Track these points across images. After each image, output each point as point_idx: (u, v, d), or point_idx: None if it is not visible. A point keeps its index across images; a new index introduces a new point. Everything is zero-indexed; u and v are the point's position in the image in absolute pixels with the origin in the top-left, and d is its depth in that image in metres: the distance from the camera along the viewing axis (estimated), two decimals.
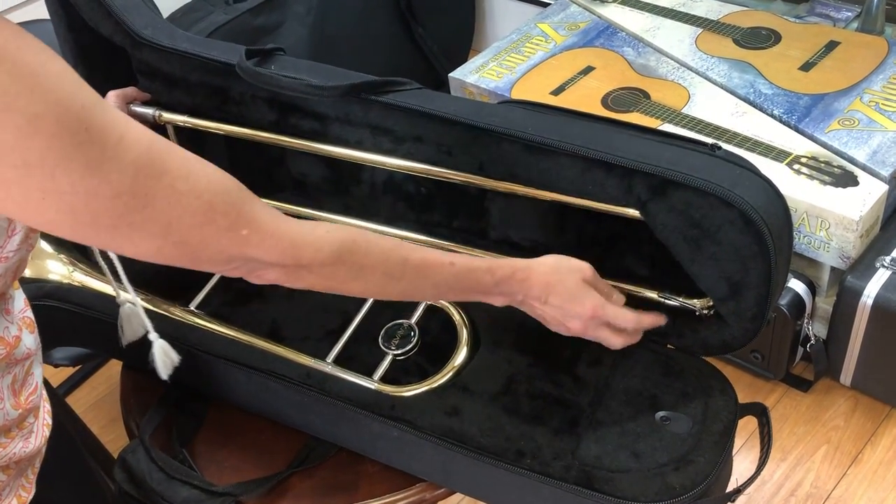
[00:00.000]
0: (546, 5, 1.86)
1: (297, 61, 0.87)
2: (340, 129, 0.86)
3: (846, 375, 1.41)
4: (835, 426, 1.39)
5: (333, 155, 0.86)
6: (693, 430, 0.74)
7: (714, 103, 1.50)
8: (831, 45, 1.59)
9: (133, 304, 0.78)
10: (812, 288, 1.36)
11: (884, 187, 1.29)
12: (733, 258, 0.71)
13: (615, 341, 0.72)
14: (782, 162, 1.36)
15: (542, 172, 0.76)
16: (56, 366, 1.21)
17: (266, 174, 0.98)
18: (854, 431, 1.37)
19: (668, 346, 0.81)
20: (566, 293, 0.71)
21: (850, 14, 1.72)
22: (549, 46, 1.73)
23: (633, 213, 0.74)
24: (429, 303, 0.87)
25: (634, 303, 0.82)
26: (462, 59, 2.01)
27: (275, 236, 0.58)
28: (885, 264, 1.30)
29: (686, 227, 0.71)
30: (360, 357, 0.85)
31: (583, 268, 0.72)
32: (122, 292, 0.79)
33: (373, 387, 0.80)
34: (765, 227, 0.68)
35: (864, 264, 1.31)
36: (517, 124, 0.76)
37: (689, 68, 1.60)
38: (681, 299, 0.78)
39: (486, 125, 0.77)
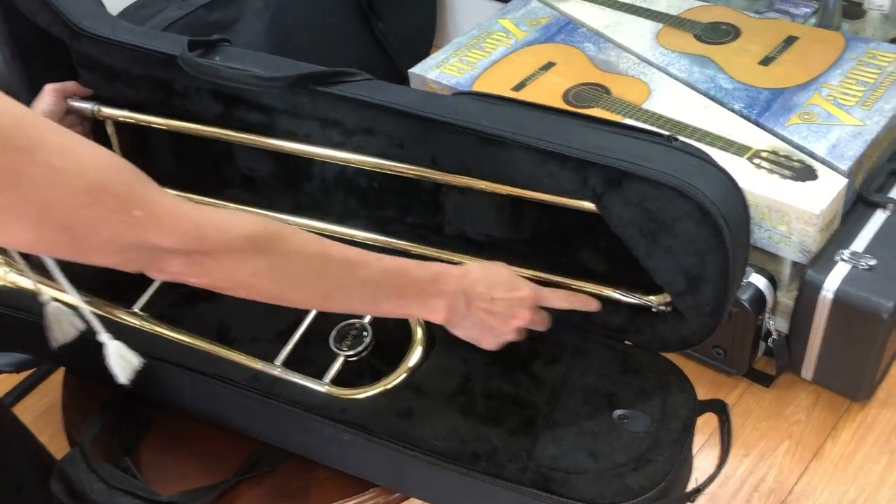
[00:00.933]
0: (507, 1, 1.84)
1: (243, 52, 0.84)
2: (288, 121, 0.83)
3: (807, 370, 1.40)
4: (797, 421, 1.38)
5: (279, 149, 0.82)
6: (652, 429, 0.72)
7: (675, 98, 1.49)
8: (790, 40, 1.58)
9: (59, 301, 0.73)
10: (773, 282, 1.35)
11: (843, 181, 1.29)
12: (690, 251, 0.68)
13: (544, 323, 0.71)
14: (743, 156, 1.35)
15: (497, 165, 0.74)
16: None
17: (214, 170, 0.94)
18: (815, 426, 1.37)
19: (627, 342, 0.79)
20: (507, 283, 0.69)
21: (807, 10, 1.72)
22: (511, 42, 1.71)
23: (589, 206, 0.71)
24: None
25: None
26: (423, 56, 1.97)
27: (174, 216, 0.52)
28: (845, 258, 1.30)
29: (642, 220, 0.69)
30: (311, 359, 0.82)
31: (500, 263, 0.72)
32: (44, 288, 0.74)
33: (323, 389, 0.77)
34: (722, 219, 0.66)
35: (824, 258, 1.30)
36: (471, 116, 0.74)
37: (650, 63, 1.59)
38: (638, 295, 0.76)
39: (439, 117, 0.74)
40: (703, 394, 0.75)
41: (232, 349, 0.80)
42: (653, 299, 0.74)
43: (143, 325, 0.83)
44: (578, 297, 0.74)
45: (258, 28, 1.78)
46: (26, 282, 0.83)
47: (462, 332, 0.70)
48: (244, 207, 0.92)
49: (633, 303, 0.75)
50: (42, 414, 1.46)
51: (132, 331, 0.83)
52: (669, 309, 0.75)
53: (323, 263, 0.60)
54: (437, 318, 0.67)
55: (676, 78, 1.53)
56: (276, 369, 0.78)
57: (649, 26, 1.67)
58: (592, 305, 0.75)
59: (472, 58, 1.66)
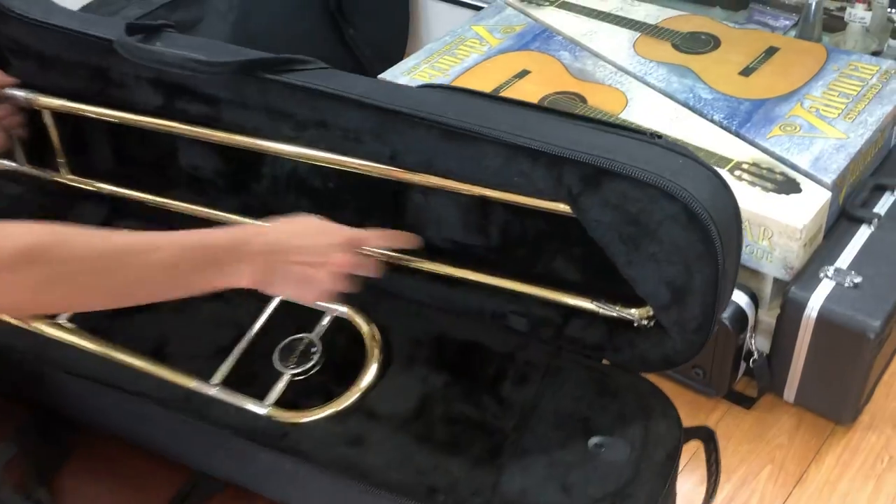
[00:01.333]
0: (481, 9, 1.77)
1: (187, 38, 0.76)
2: (234, 113, 0.74)
3: (790, 391, 1.33)
4: (779, 444, 1.31)
5: (224, 142, 0.74)
6: (632, 458, 0.64)
7: (652, 108, 1.43)
8: (771, 51, 1.53)
9: None
10: (754, 300, 1.28)
11: (827, 194, 1.23)
12: (676, 259, 0.61)
13: (371, 268, 0.65)
14: (723, 168, 1.29)
15: (462, 162, 0.66)
16: None
17: (156, 168, 0.85)
18: (798, 450, 1.29)
19: (604, 361, 0.71)
20: (314, 229, 0.63)
21: (787, 23, 1.68)
22: (484, 49, 1.64)
23: (564, 208, 0.64)
24: (336, 315, 0.75)
25: (565, 312, 0.72)
26: (395, 63, 1.90)
27: None
28: (829, 275, 1.23)
29: (622, 223, 0.61)
30: (255, 378, 0.73)
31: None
32: None
33: (263, 412, 0.68)
34: (711, 222, 0.58)
35: (807, 275, 1.23)
36: (434, 108, 0.65)
37: (627, 73, 1.53)
38: (617, 308, 0.68)
39: (399, 108, 0.66)
40: (682, 416, 0.67)
41: (164, 365, 0.71)
42: (634, 313, 0.66)
43: (66, 337, 0.74)
44: (397, 234, 0.69)
45: (222, 30, 1.69)
46: None
47: (279, 290, 0.64)
48: (192, 207, 0.83)
49: (611, 317, 0.67)
50: None
51: (55, 344, 0.74)
52: (651, 324, 0.67)
53: (110, 260, 0.55)
54: (245, 283, 0.61)
55: (654, 87, 1.47)
56: (211, 388, 0.69)
57: (626, 35, 1.61)
58: (413, 242, 0.70)
59: (444, 64, 1.58)
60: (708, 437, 0.67)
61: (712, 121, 1.38)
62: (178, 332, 0.79)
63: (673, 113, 1.39)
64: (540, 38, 1.62)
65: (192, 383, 0.69)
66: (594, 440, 0.64)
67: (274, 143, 0.72)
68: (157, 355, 0.75)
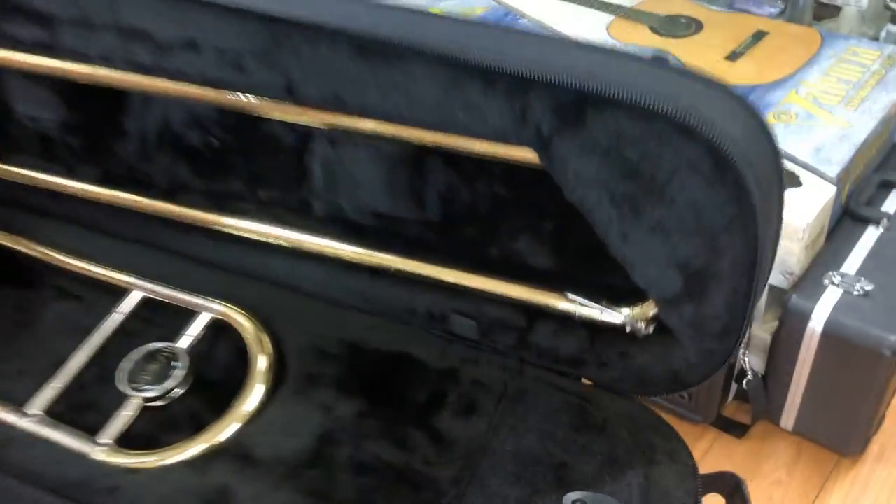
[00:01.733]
0: None
1: None
2: (75, 36, 0.53)
3: (788, 418, 1.15)
4: (777, 480, 1.12)
5: (57, 73, 0.52)
6: None
7: None
8: (759, 35, 1.38)
9: None
10: None
11: (831, 189, 1.06)
12: (693, 229, 0.40)
13: None
14: None
15: (384, 93, 0.45)
16: None
17: None
18: (799, 486, 1.11)
19: (585, 380, 0.50)
20: None
21: (773, 10, 1.55)
22: None
23: (530, 156, 0.43)
24: (212, 315, 0.54)
25: (530, 313, 0.51)
26: None
27: None
28: (836, 281, 1.05)
29: (615, 176, 0.41)
30: (97, 403, 0.51)
31: None
32: None
33: (94, 455, 0.46)
34: (750, 170, 0.38)
35: (810, 281, 1.06)
36: (344, 17, 0.45)
37: None
38: (602, 306, 0.47)
39: (295, 17, 0.45)
40: None
41: None
42: (627, 312, 0.46)
43: None
44: None
45: None
46: None
47: None
48: (88, 187, 0.62)
49: (595, 318, 0.47)
50: None
51: None
52: (651, 329, 0.46)
53: None
54: None
55: None
56: (27, 420, 0.47)
57: (599, 17, 1.46)
58: None
59: None
60: (734, 489, 0.47)
61: None
62: (10, 341, 0.58)
63: None
64: (504, 20, 1.46)
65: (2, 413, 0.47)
66: (572, 497, 0.43)
67: (127, 74, 0.51)
68: None
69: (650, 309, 0.45)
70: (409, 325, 0.53)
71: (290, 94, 0.48)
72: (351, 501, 0.43)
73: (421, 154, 0.48)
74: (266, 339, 0.52)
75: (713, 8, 1.48)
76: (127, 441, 0.48)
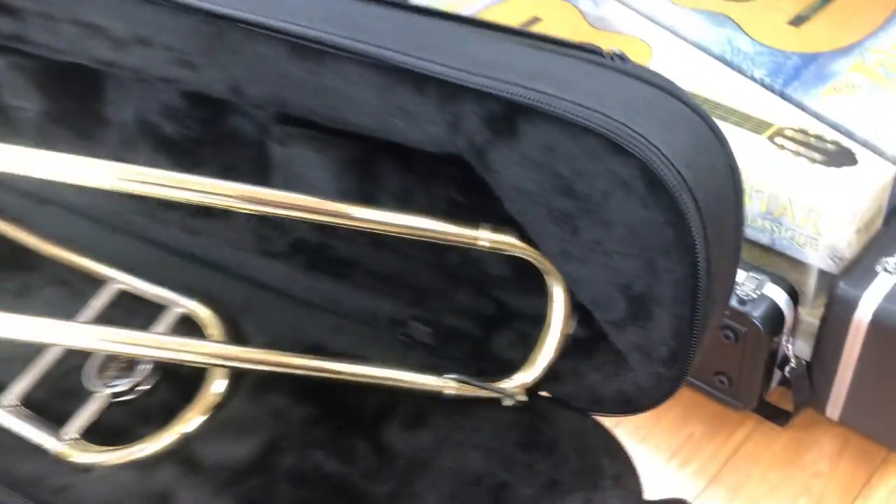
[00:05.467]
0: None
1: None
2: (41, 28, 0.53)
3: (834, 407, 1.10)
4: (817, 472, 1.07)
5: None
6: None
7: (681, 62, 1.20)
8: None
9: None
10: (794, 297, 1.05)
11: (891, 169, 0.99)
12: (632, 251, 0.37)
13: None
14: (762, 134, 1.05)
15: (322, 94, 0.43)
16: None
17: None
18: (842, 480, 1.06)
19: (539, 393, 0.48)
20: None
21: None
22: None
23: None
24: (180, 310, 0.54)
25: (488, 322, 0.49)
26: None
27: None
28: (889, 268, 0.99)
29: (550, 192, 0.38)
30: (72, 394, 0.52)
31: None
32: None
33: (53, 449, 0.47)
34: (685, 192, 0.35)
35: (861, 267, 0.99)
36: (282, 12, 0.43)
37: (654, 21, 1.30)
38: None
39: (231, 13, 0.44)
40: (701, 431, 0.45)
41: None
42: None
43: None
44: None
45: None
46: None
47: None
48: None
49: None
50: None
51: None
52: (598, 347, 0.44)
53: None
54: None
55: (685, 39, 1.24)
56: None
57: None
58: None
59: (449, 8, 1.36)
60: None
61: (752, 78, 1.15)
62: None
63: (705, 67, 1.16)
64: None
65: None
66: None
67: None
68: None
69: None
70: (370, 330, 0.52)
71: (236, 94, 0.47)
72: None
73: (369, 157, 0.46)
74: (223, 333, 0.51)
75: None
76: (98, 434, 0.49)
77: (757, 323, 1.00)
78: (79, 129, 0.61)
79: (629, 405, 0.44)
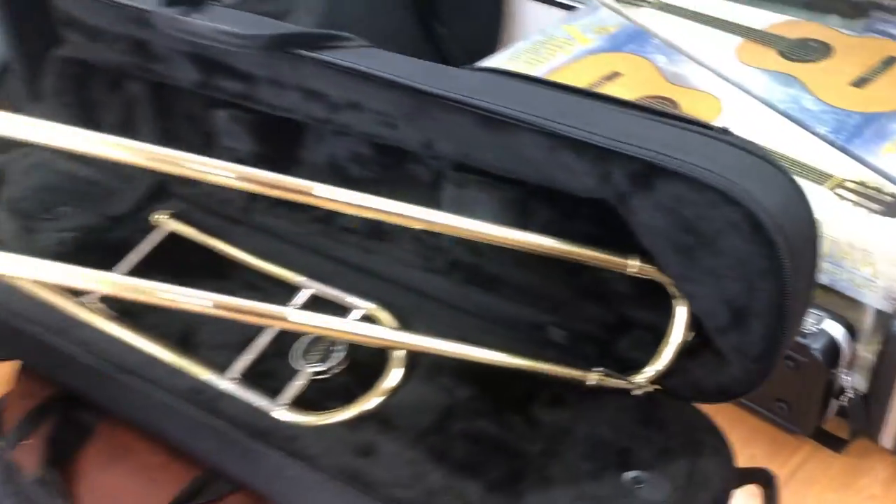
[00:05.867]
0: (574, 9, 1.69)
1: (227, 10, 0.72)
2: (269, 91, 0.70)
3: (887, 437, 1.19)
4: (871, 495, 1.16)
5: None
6: (673, 498, 0.55)
7: (750, 117, 1.31)
8: (891, 61, 1.38)
9: None
10: (852, 332, 1.15)
11: None
12: (736, 275, 0.52)
13: None
14: (824, 185, 1.16)
15: (501, 152, 0.59)
16: None
17: (202, 149, 0.82)
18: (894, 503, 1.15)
19: (652, 387, 0.62)
20: None
21: None
22: (573, 49, 1.56)
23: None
24: (363, 312, 0.70)
25: (612, 328, 0.64)
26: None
27: None
28: None
29: (677, 230, 0.53)
30: (275, 373, 0.68)
31: None
32: None
33: (275, 412, 0.63)
34: (779, 235, 0.49)
35: None
36: (473, 91, 0.59)
37: (726, 79, 1.42)
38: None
39: (433, 91, 0.60)
40: (760, 453, 0.58)
41: (182, 354, 0.67)
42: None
43: (90, 317, 0.71)
44: None
45: (308, 22, 1.68)
46: None
47: None
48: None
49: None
50: None
51: (79, 324, 0.71)
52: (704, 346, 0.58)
53: None
54: None
55: (754, 95, 1.35)
56: (224, 382, 0.65)
57: (729, 39, 1.50)
58: None
59: (531, 63, 1.51)
60: (766, 482, 0.58)
61: (816, 134, 1.26)
62: (208, 322, 0.76)
63: (772, 123, 1.28)
64: (635, 39, 1.53)
65: (205, 375, 0.65)
66: (631, 475, 0.56)
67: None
68: (184, 344, 0.72)
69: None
70: (514, 332, 0.67)
71: (429, 149, 0.63)
72: (461, 462, 0.58)
73: (528, 199, 0.61)
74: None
75: (845, 32, 1.48)
76: (299, 404, 0.64)
77: (816, 354, 1.11)
78: (277, 166, 0.77)
79: (725, 394, 0.58)
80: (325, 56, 0.64)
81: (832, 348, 1.13)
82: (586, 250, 0.57)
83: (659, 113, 0.57)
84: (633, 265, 0.57)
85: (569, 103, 0.58)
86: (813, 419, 1.20)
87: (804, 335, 1.16)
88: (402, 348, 0.63)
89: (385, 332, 0.62)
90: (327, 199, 0.56)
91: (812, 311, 1.15)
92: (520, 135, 0.57)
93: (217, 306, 0.54)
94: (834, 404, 1.21)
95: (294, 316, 0.59)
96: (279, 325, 0.63)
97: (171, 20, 0.68)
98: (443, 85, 0.60)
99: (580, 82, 1.42)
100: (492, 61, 1.51)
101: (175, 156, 0.54)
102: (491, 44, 1.99)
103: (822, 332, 1.13)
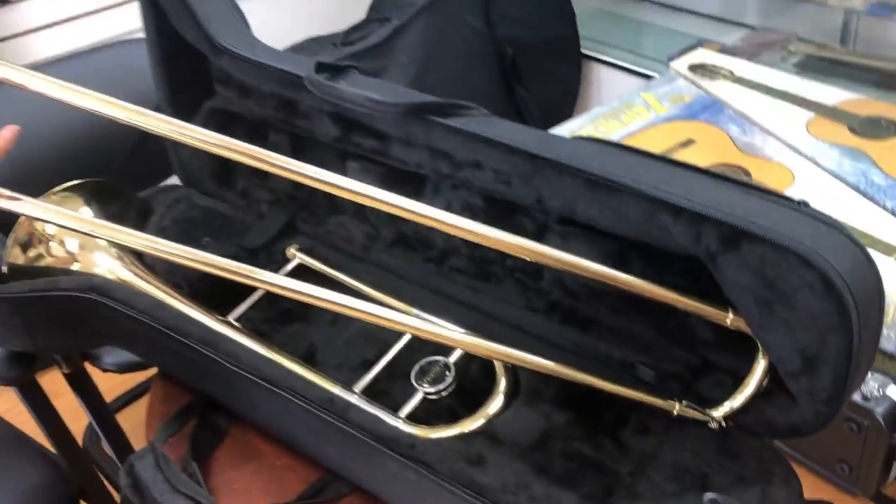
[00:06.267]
0: (651, 78, 1.81)
1: (368, 79, 0.84)
2: (400, 149, 0.82)
3: None
4: None
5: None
6: None
7: (820, 189, 1.40)
8: None
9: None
10: None
11: None
12: (809, 328, 0.61)
13: None
14: (890, 256, 1.24)
15: (605, 211, 0.69)
16: (104, 370, 1.19)
17: (326, 195, 0.95)
18: None
19: (728, 422, 0.71)
20: None
21: None
22: (650, 116, 1.67)
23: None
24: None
25: (695, 369, 0.73)
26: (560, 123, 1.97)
27: None
28: None
29: (758, 286, 0.63)
30: (391, 392, 0.79)
31: None
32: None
33: (396, 423, 0.73)
34: (849, 294, 0.58)
35: None
36: (582, 158, 0.70)
37: (797, 151, 1.50)
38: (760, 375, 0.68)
39: (548, 156, 0.71)
40: None
41: (314, 370, 0.78)
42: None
43: (232, 333, 0.83)
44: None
45: (401, 81, 1.82)
46: (142, 283, 0.85)
47: None
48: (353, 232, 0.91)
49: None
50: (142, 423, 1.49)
51: (221, 338, 0.83)
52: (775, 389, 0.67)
53: None
54: None
55: (824, 168, 1.44)
56: (352, 396, 0.75)
57: (801, 114, 1.59)
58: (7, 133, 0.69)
59: (608, 128, 1.62)
60: None
61: (884, 207, 1.33)
62: (329, 342, 0.87)
63: (841, 196, 1.35)
64: (710, 109, 1.63)
65: (335, 388, 0.76)
66: (709, 496, 0.65)
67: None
68: (308, 360, 0.83)
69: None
70: (606, 368, 0.77)
71: (540, 204, 0.73)
72: (560, 476, 0.68)
73: (624, 251, 0.72)
74: (506, 365, 0.77)
75: None
76: (411, 419, 0.74)
77: (879, 418, 1.17)
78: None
79: (794, 432, 0.66)
80: (454, 122, 0.76)
81: (894, 413, 1.19)
82: (688, 299, 0.67)
83: (746, 184, 0.67)
84: (731, 317, 0.66)
85: (666, 171, 0.68)
86: (874, 482, 1.25)
87: (867, 398, 1.22)
88: (507, 360, 0.73)
89: (494, 346, 0.71)
90: (455, 226, 0.66)
91: (876, 376, 1.21)
92: (623, 197, 0.68)
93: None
94: (895, 468, 1.26)
95: (419, 323, 0.70)
96: (408, 331, 0.73)
97: (322, 85, 0.81)
98: (554, 151, 0.71)
99: (656, 147, 1.53)
100: (571, 124, 1.62)
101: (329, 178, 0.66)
102: (568, 107, 2.11)
103: (886, 396, 1.20)
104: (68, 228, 0.77)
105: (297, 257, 0.94)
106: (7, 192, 0.69)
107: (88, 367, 1.13)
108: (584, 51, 2.06)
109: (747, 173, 1.44)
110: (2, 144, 0.67)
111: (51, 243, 0.89)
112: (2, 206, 0.69)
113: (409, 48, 1.81)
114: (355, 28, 1.79)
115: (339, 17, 1.91)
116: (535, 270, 0.82)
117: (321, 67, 0.84)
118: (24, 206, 0.73)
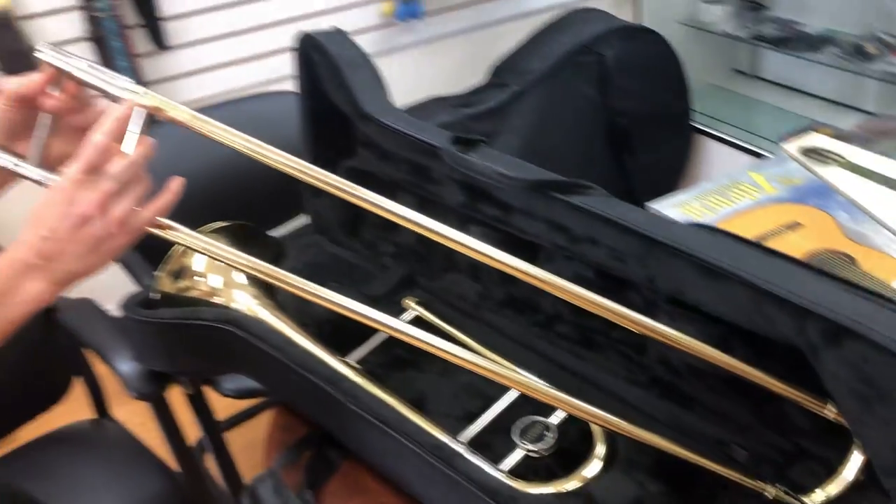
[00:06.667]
0: (761, 157, 1.83)
1: (496, 153, 0.92)
2: (521, 219, 0.89)
3: None
4: None
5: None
6: None
7: None
8: None
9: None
10: None
11: None
12: None
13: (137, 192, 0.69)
14: None
15: (712, 296, 0.74)
16: (224, 395, 1.30)
17: (446, 253, 1.02)
18: None
19: None
20: (58, 203, 0.65)
21: None
22: (758, 196, 1.69)
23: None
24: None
25: (789, 455, 0.77)
26: (665, 194, 2.00)
27: None
28: None
29: (857, 381, 0.66)
30: (492, 445, 0.84)
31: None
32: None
33: (499, 476, 0.79)
34: None
35: None
36: (695, 244, 0.75)
37: None
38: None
39: (665, 240, 0.76)
40: None
41: (425, 417, 0.85)
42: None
43: (351, 374, 0.90)
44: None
45: (514, 144, 1.91)
46: (275, 321, 0.93)
47: (73, 274, 0.67)
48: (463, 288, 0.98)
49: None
50: (248, 444, 1.59)
51: (341, 377, 0.91)
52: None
53: None
54: (41, 298, 0.66)
55: None
56: (459, 445, 0.82)
57: None
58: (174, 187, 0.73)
59: (715, 203, 1.65)
60: None
61: None
62: (436, 392, 0.94)
63: None
64: (819, 194, 1.64)
65: (443, 437, 0.82)
66: None
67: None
68: (418, 407, 0.90)
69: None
70: (701, 445, 0.81)
71: (650, 283, 0.79)
72: None
73: (728, 336, 0.76)
74: (605, 432, 0.82)
75: None
76: (512, 474, 0.80)
77: None
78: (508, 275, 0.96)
79: None
80: (574, 199, 0.83)
81: None
82: (788, 386, 0.71)
83: (849, 283, 0.71)
84: (831, 410, 0.70)
85: (773, 264, 0.72)
86: None
87: None
88: (607, 426, 0.78)
89: (597, 411, 0.76)
90: (569, 292, 0.73)
91: None
92: (732, 285, 0.72)
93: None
94: None
95: (529, 382, 0.76)
96: (518, 388, 0.78)
97: (456, 157, 0.89)
98: (667, 234, 0.77)
99: (762, 227, 1.55)
100: (679, 197, 1.66)
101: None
102: (673, 178, 2.15)
103: None
104: (222, 260, 0.86)
105: (413, 308, 1.01)
106: (168, 222, 0.76)
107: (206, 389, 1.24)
108: (694, 124, 2.11)
109: (853, 261, 1.45)
110: (171, 198, 0.73)
111: (196, 277, 1.00)
112: (165, 236, 0.77)
113: (524, 113, 1.90)
114: (476, 91, 1.90)
115: (458, 80, 2.02)
116: (638, 344, 0.87)
117: (456, 140, 0.92)
118: (186, 238, 0.80)
